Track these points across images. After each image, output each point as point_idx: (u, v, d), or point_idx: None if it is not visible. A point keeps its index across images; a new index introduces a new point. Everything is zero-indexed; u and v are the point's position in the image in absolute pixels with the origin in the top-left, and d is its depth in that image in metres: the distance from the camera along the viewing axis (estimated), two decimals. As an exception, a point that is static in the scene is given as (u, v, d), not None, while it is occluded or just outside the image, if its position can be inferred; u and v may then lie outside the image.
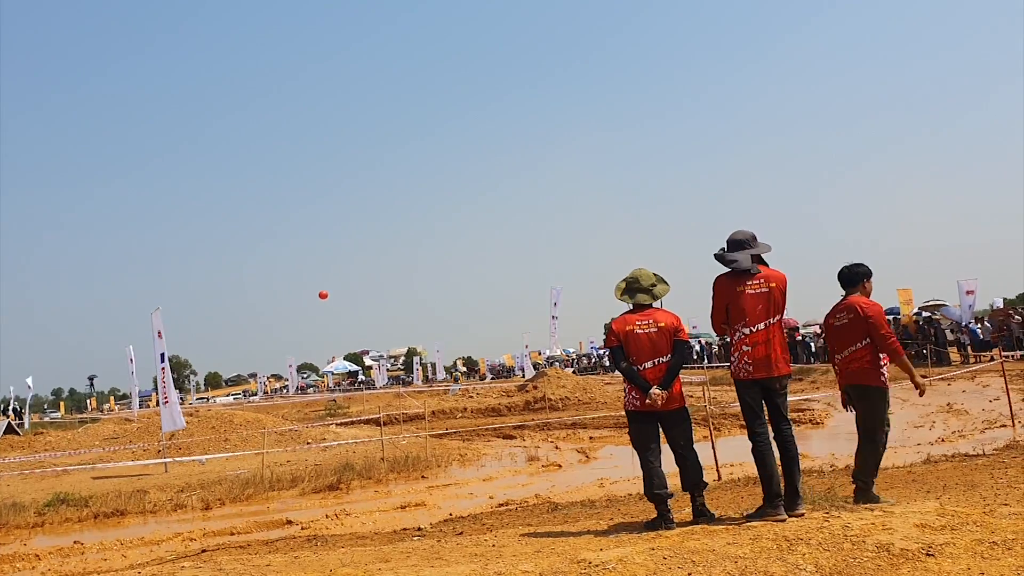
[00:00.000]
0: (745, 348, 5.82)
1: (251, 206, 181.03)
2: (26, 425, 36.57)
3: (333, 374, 76.81)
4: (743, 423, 13.33)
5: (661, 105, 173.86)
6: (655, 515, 6.03)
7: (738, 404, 6.17)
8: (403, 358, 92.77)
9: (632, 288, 6.26)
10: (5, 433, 28.25)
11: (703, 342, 44.43)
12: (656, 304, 6.32)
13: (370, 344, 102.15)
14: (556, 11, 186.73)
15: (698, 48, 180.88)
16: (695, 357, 40.95)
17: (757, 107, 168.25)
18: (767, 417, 5.94)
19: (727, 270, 6.00)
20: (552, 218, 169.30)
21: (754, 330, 5.82)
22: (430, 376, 63.80)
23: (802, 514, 5.50)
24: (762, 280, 5.91)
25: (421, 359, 70.54)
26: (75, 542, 10.54)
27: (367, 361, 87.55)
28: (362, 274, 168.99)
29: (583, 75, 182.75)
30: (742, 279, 5.90)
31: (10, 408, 38.33)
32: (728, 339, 6.26)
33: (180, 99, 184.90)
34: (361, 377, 76.10)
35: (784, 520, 5.39)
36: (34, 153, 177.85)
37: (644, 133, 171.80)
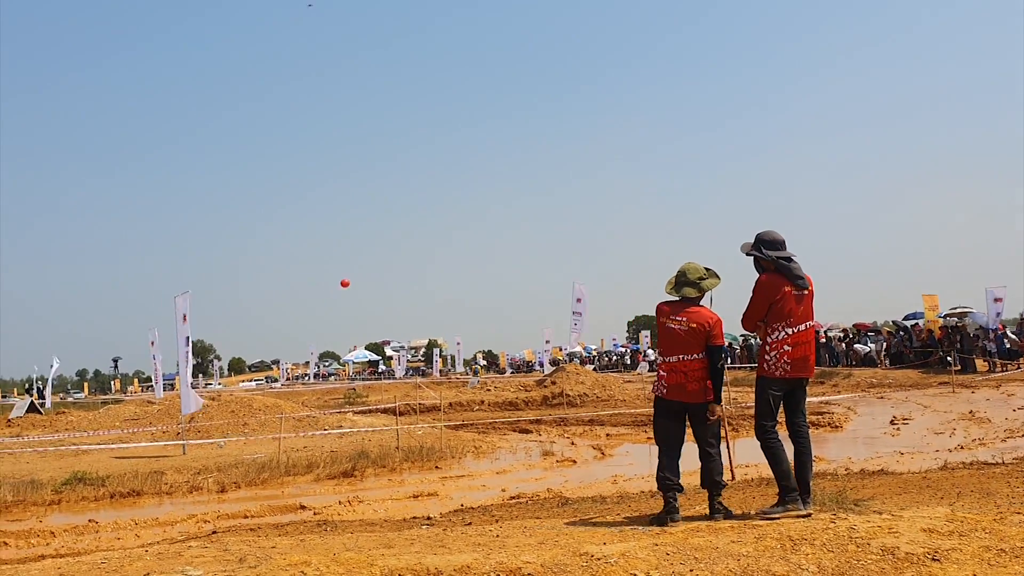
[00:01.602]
0: (787, 348, 5.86)
1: (279, 194, 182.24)
2: (48, 404, 37.03)
3: (354, 363, 77.19)
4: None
5: (694, 104, 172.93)
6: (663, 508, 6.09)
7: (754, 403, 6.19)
8: (423, 350, 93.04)
9: (680, 282, 6.29)
10: (28, 412, 28.63)
11: (724, 342, 44.13)
12: (706, 299, 6.31)
13: (391, 334, 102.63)
14: (589, 11, 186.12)
15: (734, 48, 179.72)
16: (729, 360, 40.77)
17: (787, 108, 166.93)
18: (785, 413, 6.01)
19: (760, 266, 6.05)
20: (579, 214, 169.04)
21: (797, 330, 5.89)
22: (449, 368, 63.97)
23: (809, 514, 5.50)
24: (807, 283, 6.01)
25: (441, 351, 70.69)
26: (90, 520, 10.65)
27: (388, 351, 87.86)
28: (386, 265, 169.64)
29: (617, 72, 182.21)
30: (789, 279, 5.91)
31: (34, 387, 38.81)
32: (758, 337, 6.29)
33: (210, 83, 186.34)
34: (381, 367, 76.44)
35: (807, 514, 5.44)
36: (61, 136, 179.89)
37: (675, 132, 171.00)
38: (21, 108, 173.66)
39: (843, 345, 35.16)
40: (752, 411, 6.41)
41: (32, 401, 31.21)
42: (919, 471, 9.96)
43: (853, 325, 38.31)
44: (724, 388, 6.28)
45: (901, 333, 33.09)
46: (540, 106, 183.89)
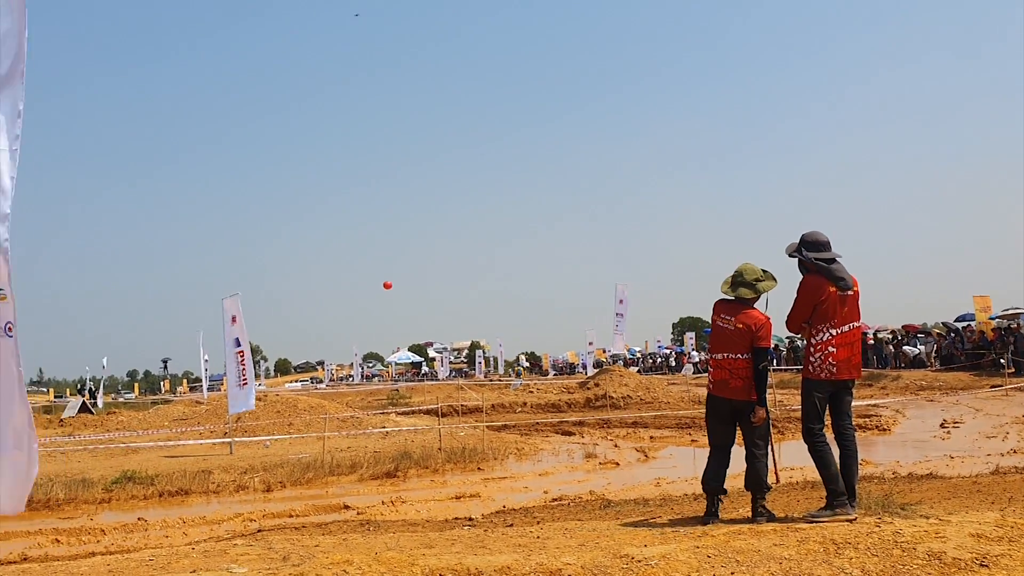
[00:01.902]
0: (831, 349, 5.83)
1: (325, 196, 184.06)
2: (99, 404, 37.81)
3: (397, 364, 77.67)
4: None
5: (743, 104, 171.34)
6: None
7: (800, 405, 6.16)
8: (466, 351, 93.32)
9: (736, 282, 6.33)
10: (80, 412, 29.29)
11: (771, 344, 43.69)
12: (761, 300, 6.32)
13: (434, 336, 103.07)
14: (635, 11, 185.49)
15: (781, 46, 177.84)
16: (774, 359, 40.33)
17: (836, 107, 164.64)
18: (831, 415, 5.97)
19: (807, 267, 5.99)
20: (624, 215, 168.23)
21: (842, 332, 5.86)
22: (491, 370, 64.09)
23: (854, 518, 5.45)
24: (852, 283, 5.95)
25: (484, 353, 70.83)
26: (139, 519, 10.85)
27: (431, 353, 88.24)
28: (430, 266, 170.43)
29: (666, 72, 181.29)
30: (832, 281, 5.86)
31: (86, 388, 39.70)
32: (799, 340, 6.29)
33: (257, 87, 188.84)
34: (424, 368, 76.82)
35: (854, 518, 5.39)
36: (112, 139, 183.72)
37: (723, 132, 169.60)
38: (73, 112, 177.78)
39: (892, 347, 34.58)
40: (799, 414, 6.36)
41: (84, 401, 31.92)
42: (969, 475, 9.77)
43: (902, 326, 37.66)
44: (770, 390, 6.27)
45: (952, 335, 32.46)
46: (584, 107, 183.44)
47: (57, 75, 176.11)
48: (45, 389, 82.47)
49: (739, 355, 6.05)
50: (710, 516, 6.07)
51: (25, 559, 8.16)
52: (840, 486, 5.67)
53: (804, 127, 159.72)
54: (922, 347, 33.11)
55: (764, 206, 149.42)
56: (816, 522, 5.46)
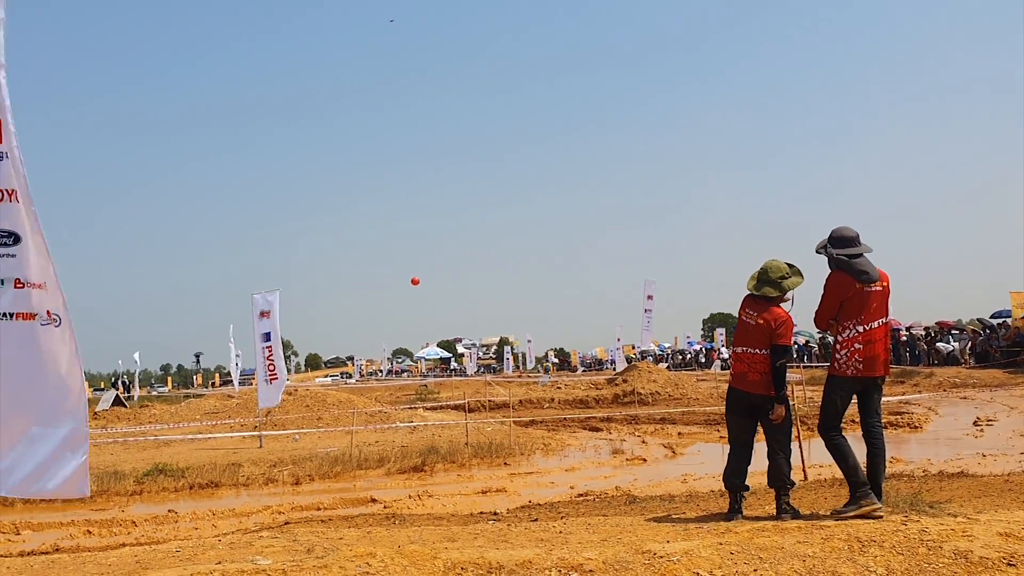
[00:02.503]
0: (857, 346, 5.76)
1: (354, 194, 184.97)
2: (134, 398, 38.34)
3: (426, 360, 77.99)
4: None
5: (773, 98, 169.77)
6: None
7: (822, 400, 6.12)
8: (495, 347, 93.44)
9: (761, 280, 6.32)
10: (113, 405, 29.73)
11: (802, 341, 43.36)
12: (787, 298, 6.29)
13: (463, 332, 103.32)
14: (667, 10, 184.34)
15: (818, 41, 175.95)
16: (793, 356, 39.98)
17: (868, 102, 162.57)
18: (859, 413, 5.91)
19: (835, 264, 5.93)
20: (654, 211, 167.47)
21: (869, 328, 5.78)
22: (520, 367, 64.10)
23: (879, 506, 5.40)
24: (878, 278, 5.88)
25: (512, 349, 70.85)
26: (169, 511, 11.00)
27: (459, 349, 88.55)
28: (458, 262, 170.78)
29: (693, 69, 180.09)
30: (854, 276, 5.80)
31: (119, 381, 40.28)
32: (830, 336, 6.23)
33: (291, 86, 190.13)
34: (453, 364, 77.05)
35: (879, 507, 5.34)
36: (146, 137, 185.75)
37: (753, 126, 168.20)
38: (112, 109, 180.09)
39: (925, 344, 34.13)
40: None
41: (117, 394, 32.38)
42: (1001, 474, 9.62)
43: (936, 323, 37.14)
44: (800, 387, 6.22)
45: (987, 331, 31.96)
46: (614, 105, 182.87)
47: (96, 72, 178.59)
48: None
49: (758, 350, 6.04)
50: (733, 513, 6.05)
51: (57, 549, 8.29)
52: (861, 477, 5.61)
53: (838, 122, 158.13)
54: (956, 344, 32.65)
55: (796, 201, 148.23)
56: (843, 518, 5.41)
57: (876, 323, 5.78)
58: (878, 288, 5.82)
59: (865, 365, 5.75)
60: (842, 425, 5.83)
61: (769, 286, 6.21)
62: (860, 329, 5.75)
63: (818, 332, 42.86)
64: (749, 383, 6.06)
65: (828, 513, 5.85)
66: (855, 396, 5.89)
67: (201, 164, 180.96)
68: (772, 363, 5.98)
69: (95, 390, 54.12)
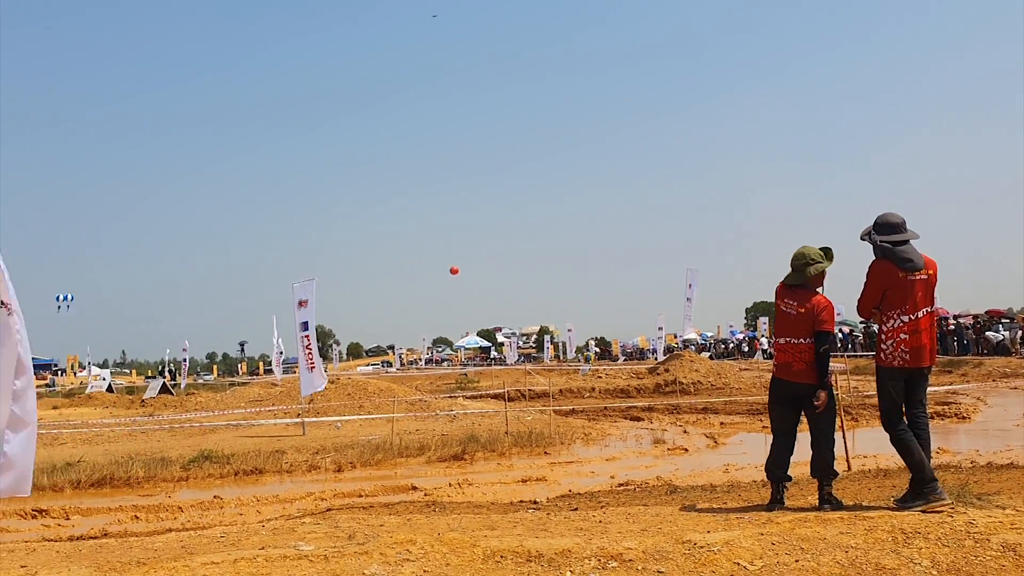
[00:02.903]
0: (903, 336, 5.65)
1: (395, 185, 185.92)
2: (180, 386, 38.99)
3: (466, 349, 78.24)
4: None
5: (813, 86, 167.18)
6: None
7: (876, 394, 6.01)
8: (535, 336, 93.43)
9: (792, 267, 6.23)
10: (160, 392, 30.26)
11: (847, 330, 42.78)
12: (822, 283, 6.22)
13: (503, 321, 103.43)
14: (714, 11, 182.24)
15: (864, 27, 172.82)
16: (838, 346, 39.44)
17: (918, 84, 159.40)
18: (904, 403, 5.80)
19: (880, 253, 5.81)
20: (696, 199, 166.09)
21: (914, 317, 5.66)
22: (561, 355, 64.00)
23: (949, 502, 5.28)
24: (923, 265, 5.74)
25: (553, 338, 70.75)
26: (215, 497, 11.16)
27: (499, 338, 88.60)
28: (499, 251, 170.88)
29: (733, 56, 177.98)
30: (897, 264, 5.67)
31: (166, 370, 40.99)
32: (875, 326, 6.12)
33: (332, 83, 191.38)
34: (493, 353, 77.20)
35: (948, 503, 5.22)
36: (193, 131, 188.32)
37: (798, 114, 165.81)
38: (160, 101, 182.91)
39: (973, 333, 33.47)
40: (874, 400, 6.20)
41: (164, 382, 32.96)
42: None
43: (985, 312, 36.42)
44: (844, 376, 6.13)
45: (1038, 321, 31.29)
46: (653, 93, 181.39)
47: (144, 67, 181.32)
48: (128, 371, 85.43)
49: (802, 339, 5.98)
50: (775, 503, 6.00)
51: (105, 534, 8.45)
52: (928, 473, 5.47)
53: (884, 109, 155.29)
54: (1006, 333, 31.98)
55: (842, 189, 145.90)
56: (907, 509, 5.27)
57: (922, 312, 5.65)
58: (923, 276, 5.68)
59: (912, 356, 5.63)
60: (903, 413, 5.71)
61: (796, 273, 6.16)
62: (905, 319, 5.62)
63: (862, 321, 42.34)
64: (794, 373, 5.99)
65: (879, 503, 5.75)
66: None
67: (249, 156, 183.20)
68: (815, 350, 5.90)
69: (146, 378, 55.18)
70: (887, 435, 5.76)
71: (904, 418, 5.72)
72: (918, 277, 5.66)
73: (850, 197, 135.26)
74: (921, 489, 5.47)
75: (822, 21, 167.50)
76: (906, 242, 5.72)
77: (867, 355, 34.07)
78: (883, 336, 5.74)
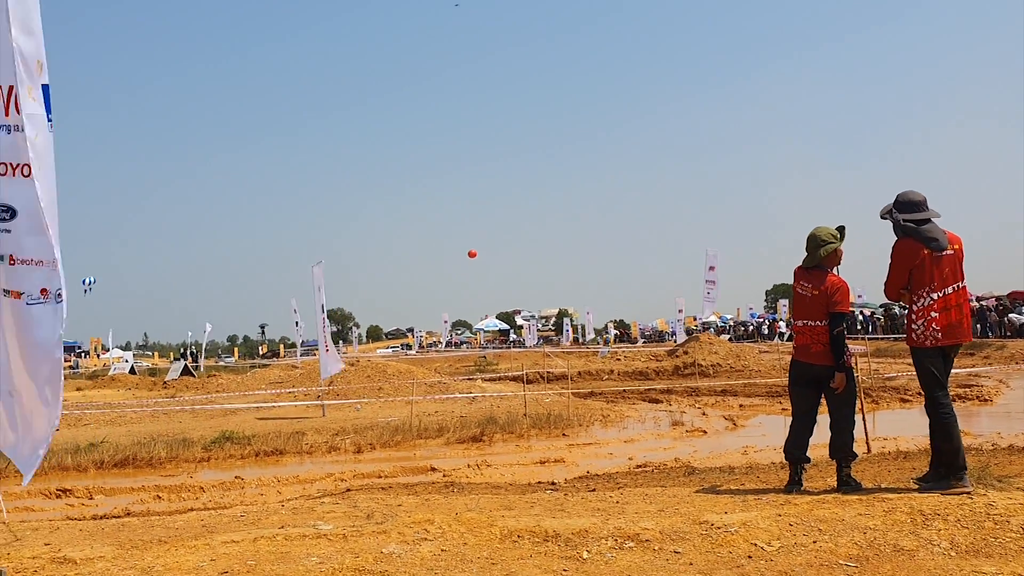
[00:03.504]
0: (933, 314, 5.54)
1: (415, 169, 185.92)
2: (201, 368, 39.30)
3: (485, 331, 78.34)
4: (903, 396, 12.86)
5: (840, 68, 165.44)
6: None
7: (900, 376, 5.96)
8: (554, 319, 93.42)
9: (806, 249, 6.18)
10: (182, 374, 30.52)
11: (867, 312, 42.47)
12: (837, 263, 6.18)
13: (522, 304, 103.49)
14: None
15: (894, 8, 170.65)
16: (857, 328, 39.17)
17: (944, 64, 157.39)
18: None
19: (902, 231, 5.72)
20: (714, 180, 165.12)
21: (943, 294, 5.56)
22: (580, 338, 64.00)
23: (971, 491, 5.21)
24: (948, 242, 5.65)
25: (572, 320, 70.71)
26: (236, 477, 11.27)
27: (518, 320, 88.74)
28: (518, 234, 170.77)
29: (758, 39, 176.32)
30: (923, 243, 5.59)
31: (187, 352, 41.35)
32: (895, 307, 6.05)
33: (353, 69, 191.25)
34: (512, 336, 77.27)
35: (969, 491, 5.14)
36: (213, 116, 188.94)
37: (818, 94, 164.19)
38: (185, 88, 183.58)
39: (996, 315, 33.14)
40: (894, 383, 6.14)
41: (186, 364, 33.23)
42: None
43: (1009, 294, 36.01)
44: (864, 359, 6.07)
45: (1063, 303, 30.93)
46: (674, 74, 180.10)
47: (171, 51, 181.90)
48: (150, 352, 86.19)
49: (818, 321, 5.94)
50: (793, 485, 5.97)
51: (128, 513, 8.56)
52: (960, 460, 5.35)
53: (906, 91, 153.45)
54: (1029, 315, 31.65)
55: (863, 169, 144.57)
56: (928, 492, 5.20)
57: (951, 288, 5.54)
58: (949, 252, 5.59)
59: (944, 333, 5.52)
60: (907, 399, 5.65)
61: (808, 255, 6.12)
62: (935, 296, 5.53)
63: (881, 303, 42.03)
64: (812, 355, 5.96)
65: (898, 485, 5.70)
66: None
67: (272, 140, 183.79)
68: (830, 331, 5.86)
69: (174, 359, 55.60)
70: (927, 416, 5.64)
71: (949, 399, 5.59)
72: (944, 253, 5.58)
73: (872, 178, 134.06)
74: (949, 475, 5.39)
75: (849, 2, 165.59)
76: (928, 220, 5.64)
77: (888, 337, 33.83)
78: (913, 316, 5.64)
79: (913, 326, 5.66)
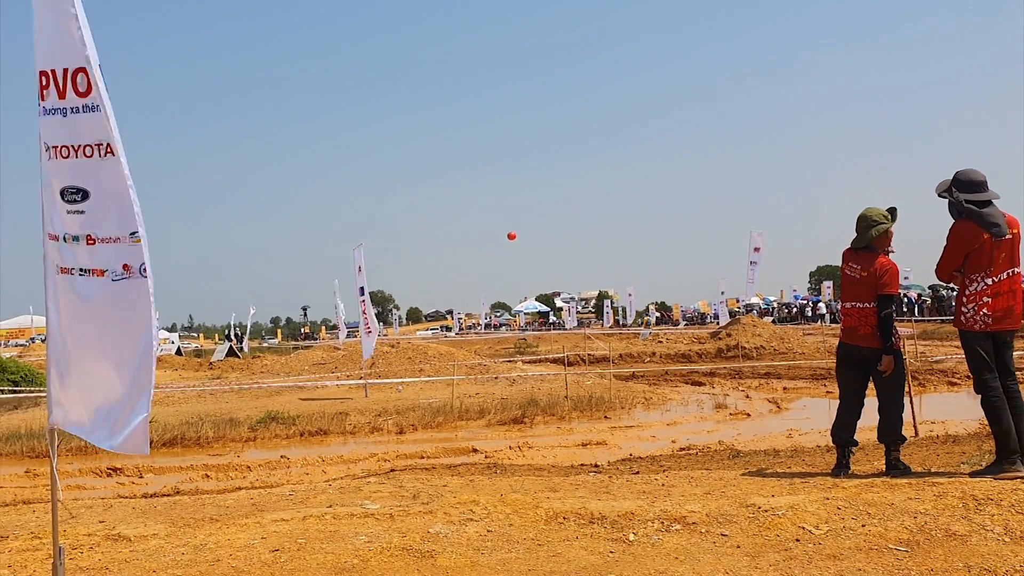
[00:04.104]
0: (986, 299, 5.44)
1: (457, 151, 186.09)
2: (246, 349, 39.83)
3: (525, 314, 78.34)
4: (950, 379, 12.63)
5: (883, 47, 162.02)
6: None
7: (947, 359, 5.85)
8: (594, 301, 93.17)
9: (856, 230, 6.11)
10: (227, 356, 30.98)
11: (914, 294, 41.76)
12: (891, 248, 6.08)
13: (562, 286, 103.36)
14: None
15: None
16: (904, 310, 38.55)
17: (979, 43, 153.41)
18: None
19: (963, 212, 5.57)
20: (757, 161, 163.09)
21: (997, 280, 5.45)
22: (622, 320, 63.74)
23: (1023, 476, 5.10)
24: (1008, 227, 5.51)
25: (612, 303, 70.42)
26: (281, 457, 11.42)
27: (558, 303, 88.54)
28: (557, 216, 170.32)
29: (807, 10, 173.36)
30: (983, 227, 5.45)
31: (232, 333, 41.94)
32: (943, 289, 5.92)
33: (398, 50, 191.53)
34: (552, 318, 77.20)
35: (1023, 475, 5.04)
36: (257, 99, 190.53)
37: (863, 74, 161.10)
38: (228, 72, 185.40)
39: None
40: (941, 366, 6.03)
41: (231, 346, 33.71)
42: None
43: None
44: (911, 341, 5.95)
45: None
46: (718, 58, 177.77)
47: (215, 33, 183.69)
48: (196, 334, 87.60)
49: (867, 303, 5.85)
50: (841, 468, 5.91)
51: (178, 492, 8.72)
52: (1011, 443, 5.24)
53: (957, 67, 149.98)
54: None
55: (913, 145, 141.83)
56: (981, 477, 5.11)
57: (1005, 274, 5.40)
58: (1007, 237, 5.46)
59: (995, 319, 5.40)
60: (955, 382, 5.54)
61: (858, 236, 6.01)
62: (988, 282, 5.40)
63: (929, 285, 41.29)
64: (860, 337, 5.88)
65: (948, 469, 5.62)
66: None
67: (314, 123, 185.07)
68: (878, 313, 5.77)
69: (220, 340, 56.46)
70: (977, 399, 5.54)
71: (997, 382, 5.48)
72: (1003, 238, 5.45)
73: (920, 158, 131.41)
74: (1001, 458, 5.29)
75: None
76: (989, 202, 5.48)
77: (935, 319, 33.25)
78: (964, 299, 5.52)
79: (963, 308, 5.55)
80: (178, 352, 38.90)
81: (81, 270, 3.51)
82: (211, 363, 30.17)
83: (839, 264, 6.24)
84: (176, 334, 63.88)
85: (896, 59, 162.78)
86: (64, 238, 3.50)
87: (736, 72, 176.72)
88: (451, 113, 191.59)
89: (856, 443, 6.05)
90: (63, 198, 3.49)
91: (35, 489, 9.58)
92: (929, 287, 40.27)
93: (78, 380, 3.62)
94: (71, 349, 3.62)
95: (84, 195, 3.45)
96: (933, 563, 3.73)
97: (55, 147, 3.45)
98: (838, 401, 6.16)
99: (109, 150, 3.41)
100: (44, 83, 3.44)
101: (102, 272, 3.47)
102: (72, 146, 3.44)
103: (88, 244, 3.47)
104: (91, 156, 3.41)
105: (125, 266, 3.44)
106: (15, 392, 18.34)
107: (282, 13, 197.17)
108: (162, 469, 10.93)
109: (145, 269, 3.45)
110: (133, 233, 3.42)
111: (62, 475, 9.30)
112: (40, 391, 17.05)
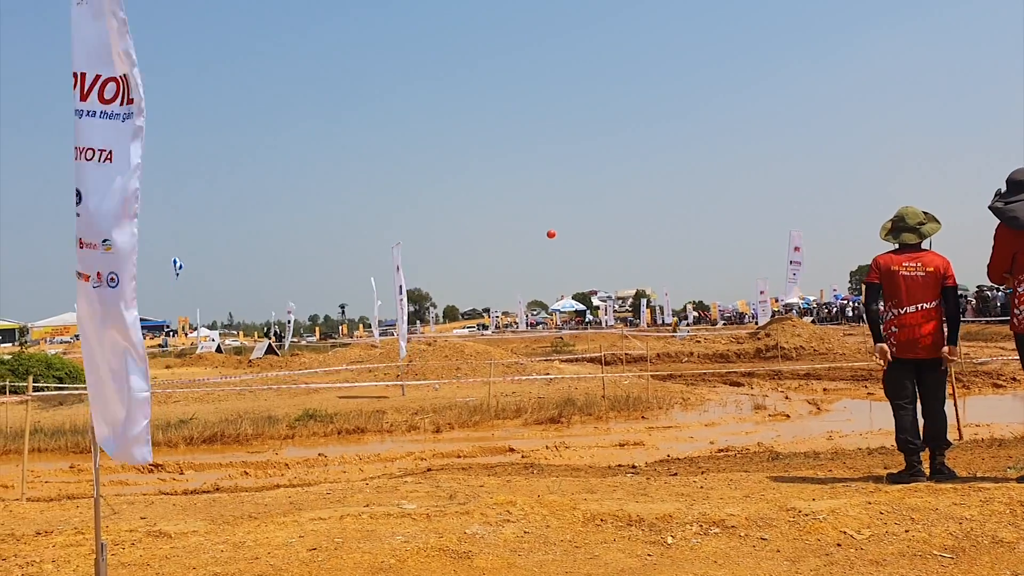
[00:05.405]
0: None
1: (495, 150, 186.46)
2: (285, 347, 40.24)
3: (561, 312, 78.28)
4: (995, 382, 12.39)
5: (928, 41, 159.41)
6: (903, 467, 5.77)
7: (992, 361, 5.72)
8: (631, 300, 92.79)
9: (898, 227, 5.92)
10: (267, 353, 31.30)
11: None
12: (925, 244, 5.91)
13: (599, 285, 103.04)
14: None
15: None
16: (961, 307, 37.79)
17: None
18: None
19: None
20: (796, 160, 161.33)
21: None
22: (663, 318, 63.44)
23: None
24: None
25: (649, 301, 70.10)
26: (319, 454, 11.51)
27: (595, 301, 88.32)
28: (595, 214, 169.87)
29: (838, 15, 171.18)
30: (1012, 223, 5.32)
31: (271, 331, 42.37)
32: (987, 290, 5.79)
33: (434, 46, 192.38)
34: (588, 317, 77.03)
35: None
36: (289, 95, 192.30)
37: (902, 70, 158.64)
38: (268, 70, 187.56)
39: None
40: (985, 368, 5.88)
41: (270, 344, 34.06)
42: None
43: None
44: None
45: None
46: (757, 57, 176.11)
47: (250, 31, 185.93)
48: (235, 332, 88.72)
49: (932, 303, 5.66)
50: (915, 476, 5.56)
51: (217, 489, 8.81)
52: None
53: (999, 62, 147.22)
54: None
55: (956, 143, 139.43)
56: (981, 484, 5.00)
57: None
58: None
59: None
60: (1000, 384, 5.42)
61: (908, 232, 5.83)
62: None
63: (976, 285, 40.52)
64: (923, 348, 5.63)
65: (994, 474, 5.49)
66: None
67: (352, 121, 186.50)
68: (949, 307, 5.62)
69: (258, 338, 57.14)
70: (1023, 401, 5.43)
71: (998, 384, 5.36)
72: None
73: (961, 158, 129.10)
74: None
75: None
76: (1015, 210, 5.32)
77: (979, 320, 32.65)
78: (1016, 301, 5.40)
79: (1016, 311, 5.42)
80: (218, 350, 39.41)
81: (77, 273, 3.59)
82: (250, 361, 30.50)
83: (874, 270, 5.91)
84: (216, 332, 64.73)
85: (943, 53, 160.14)
86: (76, 240, 3.58)
87: (776, 66, 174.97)
88: (490, 110, 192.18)
89: (923, 448, 5.75)
90: (75, 199, 3.56)
91: (79, 484, 9.74)
92: (978, 287, 39.56)
93: (91, 379, 3.70)
94: (86, 346, 3.71)
95: (79, 198, 3.51)
96: (979, 570, 3.64)
97: (77, 148, 3.52)
98: (894, 407, 5.88)
99: (109, 157, 3.45)
100: (75, 84, 3.49)
101: (87, 277, 3.54)
102: (80, 148, 3.49)
103: (79, 248, 3.54)
104: (91, 160, 3.46)
105: (98, 274, 3.49)
106: (60, 388, 18.68)
107: (332, 5, 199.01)
108: (202, 466, 11.06)
109: (113, 279, 3.48)
110: (105, 241, 3.46)
111: (104, 471, 9.44)
112: (84, 387, 17.38)
